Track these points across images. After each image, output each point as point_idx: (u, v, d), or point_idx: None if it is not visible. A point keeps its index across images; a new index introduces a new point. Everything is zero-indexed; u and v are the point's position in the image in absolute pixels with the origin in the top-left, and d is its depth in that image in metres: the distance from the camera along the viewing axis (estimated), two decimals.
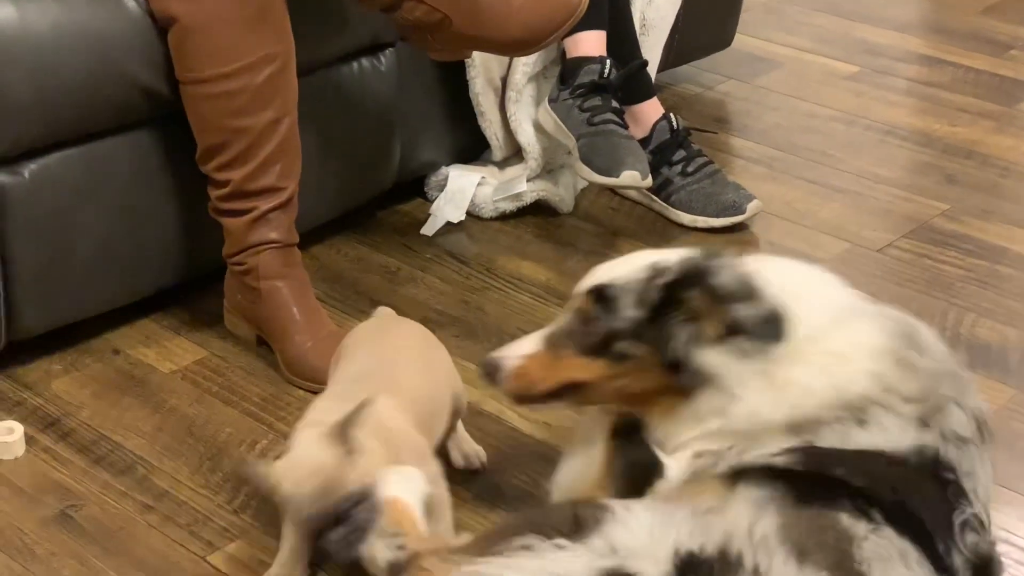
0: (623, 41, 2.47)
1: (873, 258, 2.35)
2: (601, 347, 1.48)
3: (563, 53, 2.37)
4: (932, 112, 2.95)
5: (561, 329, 1.52)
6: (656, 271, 1.47)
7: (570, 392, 1.54)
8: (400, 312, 2.08)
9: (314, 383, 1.96)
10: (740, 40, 3.16)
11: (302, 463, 1.45)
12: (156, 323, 2.13)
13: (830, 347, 1.46)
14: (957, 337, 2.15)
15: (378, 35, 2.26)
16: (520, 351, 1.54)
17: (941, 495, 1.39)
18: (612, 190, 2.51)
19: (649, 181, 2.33)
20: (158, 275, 2.11)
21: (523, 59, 2.37)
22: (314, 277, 2.14)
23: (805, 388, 1.43)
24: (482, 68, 2.40)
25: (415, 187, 2.49)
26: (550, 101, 2.39)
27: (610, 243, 2.43)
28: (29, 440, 1.82)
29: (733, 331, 1.42)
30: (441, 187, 2.43)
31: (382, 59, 2.30)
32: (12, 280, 1.90)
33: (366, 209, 2.43)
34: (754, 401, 1.42)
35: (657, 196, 2.50)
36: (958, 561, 1.35)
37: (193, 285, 2.17)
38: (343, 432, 1.42)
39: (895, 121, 2.89)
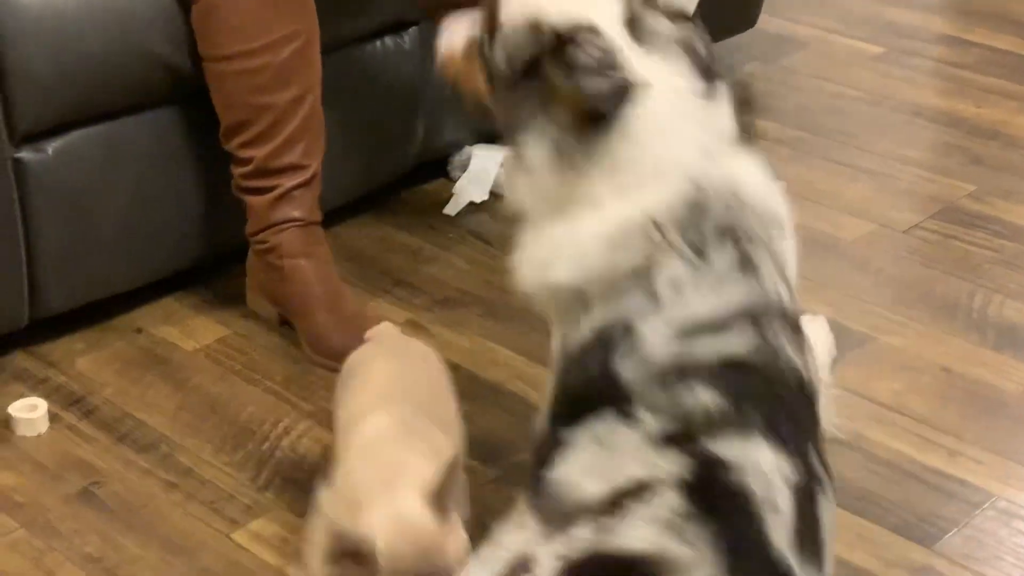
0: None
1: (899, 239, 2.35)
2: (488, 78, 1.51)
3: None
4: (958, 93, 2.94)
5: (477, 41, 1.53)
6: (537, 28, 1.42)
7: None
8: (423, 291, 2.13)
9: (336, 361, 1.90)
10: (764, 20, 3.15)
11: (406, 525, 1.40)
12: (178, 302, 2.15)
13: None
14: (985, 319, 2.16)
15: (402, 13, 2.27)
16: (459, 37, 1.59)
17: None
18: None
19: None
20: (181, 254, 2.12)
21: None
22: (337, 256, 2.14)
23: None
24: None
25: (439, 167, 2.50)
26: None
27: None
28: (53, 417, 1.83)
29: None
30: (464, 167, 2.44)
31: (405, 38, 2.31)
32: (35, 258, 1.91)
33: (390, 188, 2.44)
34: None
35: None
36: None
37: (215, 264, 2.18)
38: (440, 498, 1.38)
39: (921, 102, 2.87)
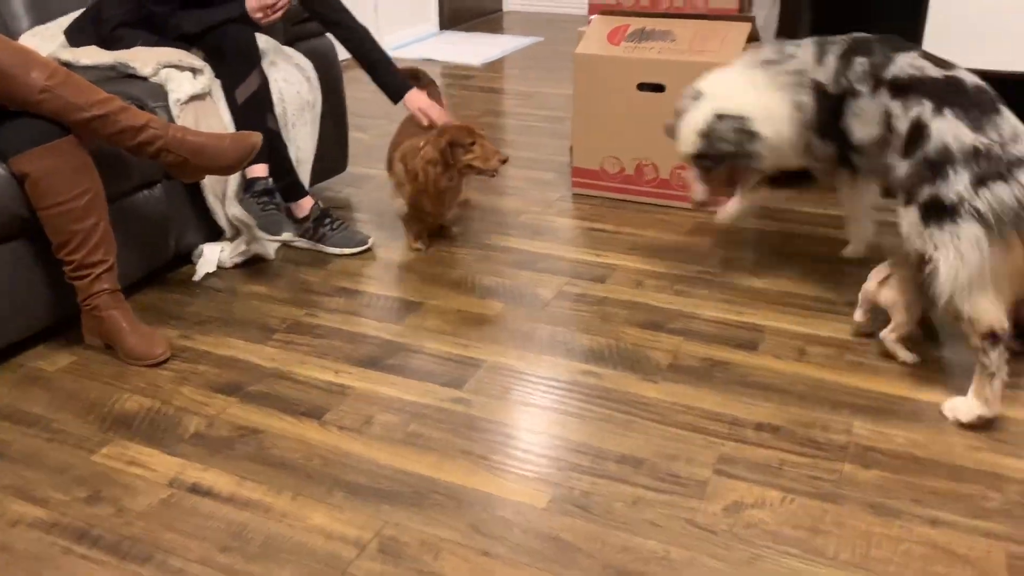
0: (282, 167, 2.51)
1: None
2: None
3: (244, 175, 2.39)
4: None
5: None
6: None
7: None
8: (186, 320, 2.14)
9: (142, 362, 2.02)
10: (352, 167, 3.23)
11: None
12: (43, 346, 2.12)
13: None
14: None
15: (152, 175, 2.27)
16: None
17: None
18: (286, 244, 2.57)
19: (293, 237, 2.39)
20: (42, 317, 2.08)
21: (230, 177, 2.39)
22: (134, 307, 2.18)
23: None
24: (209, 186, 2.42)
25: (186, 258, 2.53)
26: (238, 200, 2.42)
27: (298, 278, 2.47)
28: None
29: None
30: (200, 255, 2.48)
31: (156, 189, 2.32)
32: None
33: (159, 271, 2.46)
34: None
35: (319, 243, 2.58)
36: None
37: (62, 322, 2.17)
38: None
39: None
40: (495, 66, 4.87)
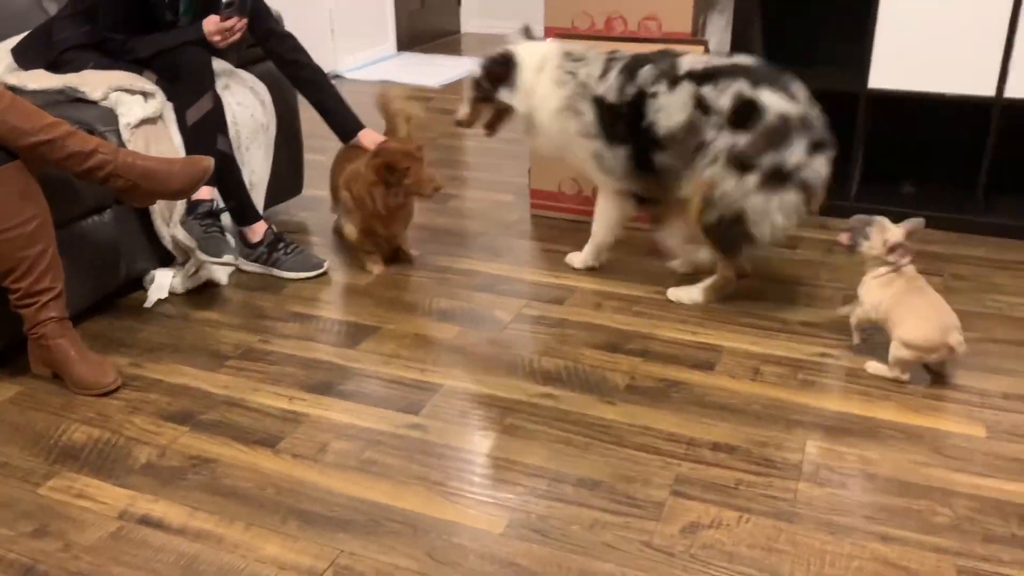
0: (235, 191, 2.51)
1: None
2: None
3: (188, 198, 2.32)
4: None
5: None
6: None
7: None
8: (136, 346, 2.11)
9: (91, 391, 2.00)
10: (308, 189, 3.20)
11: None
12: None
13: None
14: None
15: (102, 200, 2.27)
16: None
17: None
18: (239, 270, 2.56)
19: (235, 259, 2.35)
20: None
21: (178, 202, 2.38)
22: (82, 334, 2.15)
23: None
24: (158, 210, 2.40)
25: (137, 283, 2.51)
26: (180, 222, 2.41)
27: (251, 304, 2.46)
28: None
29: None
30: (152, 281, 2.46)
31: (106, 214, 2.31)
32: None
33: (110, 297, 2.44)
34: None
35: (273, 268, 2.57)
36: None
37: (7, 351, 2.14)
38: None
39: None
40: (454, 87, 4.90)
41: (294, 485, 1.67)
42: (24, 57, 2.47)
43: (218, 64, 2.59)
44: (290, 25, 2.71)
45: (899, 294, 1.94)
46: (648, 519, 1.58)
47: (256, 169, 2.62)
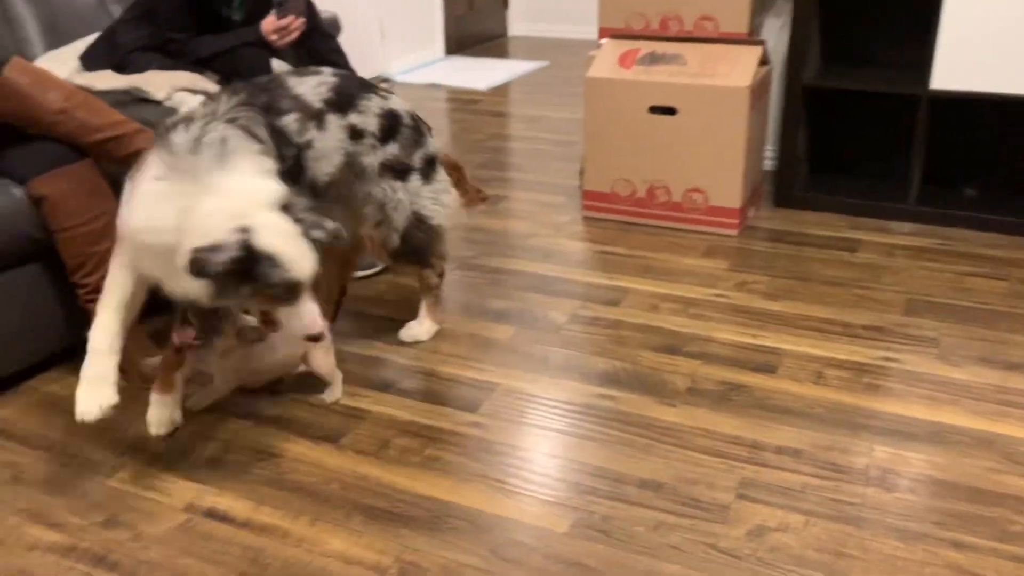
0: None
1: None
2: None
3: None
4: None
5: None
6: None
7: None
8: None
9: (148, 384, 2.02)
10: None
11: None
12: (56, 369, 2.14)
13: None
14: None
15: None
16: None
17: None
18: None
19: None
20: (55, 341, 2.10)
21: None
22: (147, 331, 2.14)
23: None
24: None
25: None
26: None
27: None
28: None
29: None
30: None
31: None
32: None
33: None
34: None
35: None
36: None
37: (75, 346, 2.10)
38: None
39: None
40: (501, 90, 4.91)
41: (358, 480, 1.69)
42: (91, 61, 2.53)
43: (277, 64, 2.62)
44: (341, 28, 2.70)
45: None
46: (714, 522, 1.57)
47: None
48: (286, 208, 1.50)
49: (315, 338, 1.51)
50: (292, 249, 1.47)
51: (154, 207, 1.48)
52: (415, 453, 1.79)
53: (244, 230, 1.42)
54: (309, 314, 1.49)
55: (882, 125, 3.11)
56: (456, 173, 2.22)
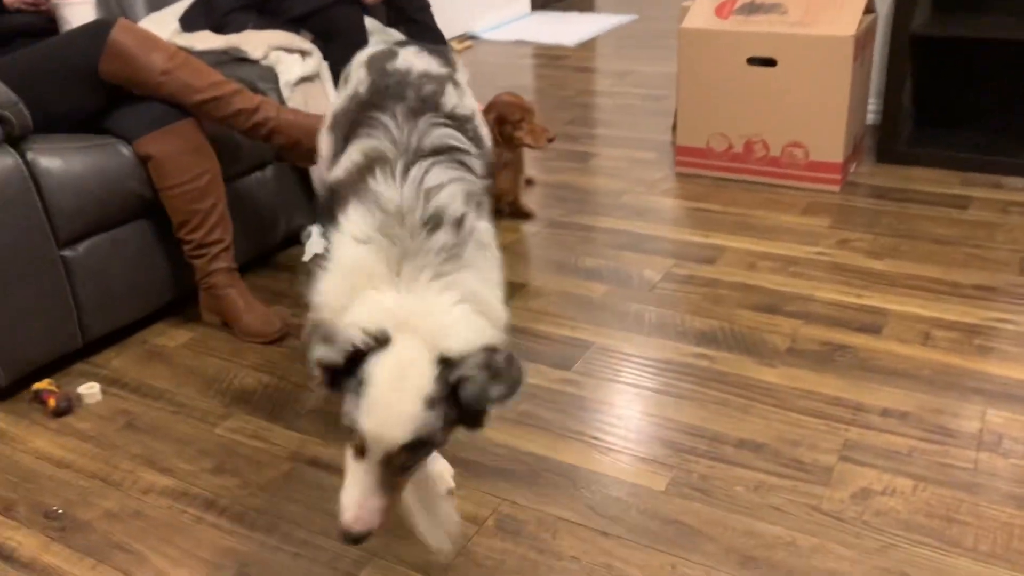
0: None
1: None
2: None
3: None
4: None
5: None
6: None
7: None
8: (292, 298, 2.17)
9: (256, 339, 2.07)
10: None
11: None
12: (163, 323, 2.21)
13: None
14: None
15: (263, 157, 2.33)
16: None
17: None
18: None
19: None
20: (162, 295, 2.17)
21: None
22: (249, 285, 2.21)
23: None
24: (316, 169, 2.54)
25: (295, 239, 2.56)
26: None
27: None
28: (104, 392, 1.94)
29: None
30: (309, 237, 2.51)
31: (267, 171, 2.37)
32: (80, 307, 1.98)
33: (271, 251, 2.52)
34: None
35: None
36: None
37: (180, 300, 2.24)
38: None
39: None
40: (589, 45, 4.83)
41: (456, 434, 1.68)
42: (189, 22, 2.57)
43: (369, 23, 2.64)
44: None
45: None
46: (816, 483, 1.53)
47: None
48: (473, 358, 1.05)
49: None
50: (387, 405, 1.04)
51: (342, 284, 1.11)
52: (511, 409, 1.78)
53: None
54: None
55: (996, 76, 2.94)
56: (523, 113, 2.26)
